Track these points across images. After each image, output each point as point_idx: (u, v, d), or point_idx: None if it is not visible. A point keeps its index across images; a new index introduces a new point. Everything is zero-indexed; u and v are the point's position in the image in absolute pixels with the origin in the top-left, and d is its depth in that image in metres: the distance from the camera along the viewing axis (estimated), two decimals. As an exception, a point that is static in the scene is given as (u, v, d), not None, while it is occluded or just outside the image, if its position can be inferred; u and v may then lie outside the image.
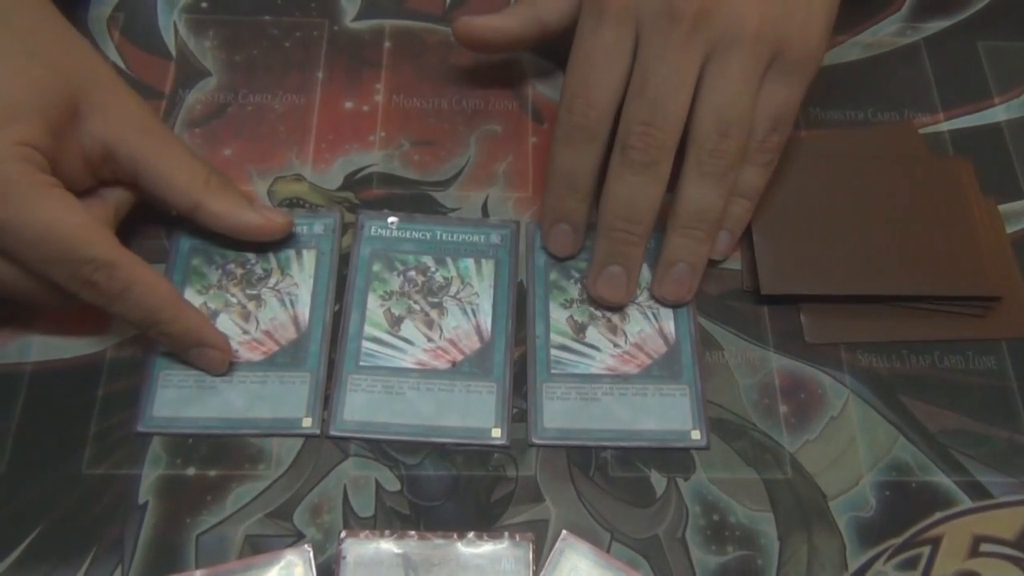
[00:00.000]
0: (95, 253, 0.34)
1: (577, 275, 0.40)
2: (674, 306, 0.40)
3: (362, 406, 0.37)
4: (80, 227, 0.34)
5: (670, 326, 0.39)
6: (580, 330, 0.39)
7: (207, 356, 0.37)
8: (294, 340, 0.38)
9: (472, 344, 0.38)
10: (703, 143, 0.37)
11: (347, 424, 0.36)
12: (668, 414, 0.37)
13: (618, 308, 0.40)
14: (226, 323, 0.38)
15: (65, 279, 0.34)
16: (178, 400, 0.37)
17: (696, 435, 0.37)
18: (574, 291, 0.40)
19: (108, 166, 0.37)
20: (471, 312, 0.39)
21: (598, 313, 0.39)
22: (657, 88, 0.37)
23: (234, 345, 0.38)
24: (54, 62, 0.35)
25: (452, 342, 0.38)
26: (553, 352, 0.38)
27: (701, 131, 0.37)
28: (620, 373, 0.38)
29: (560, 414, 0.37)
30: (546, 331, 0.39)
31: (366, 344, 0.38)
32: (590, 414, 0.37)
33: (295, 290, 0.39)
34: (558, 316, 0.39)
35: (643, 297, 0.40)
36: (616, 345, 0.39)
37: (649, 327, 0.39)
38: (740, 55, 0.37)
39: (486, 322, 0.39)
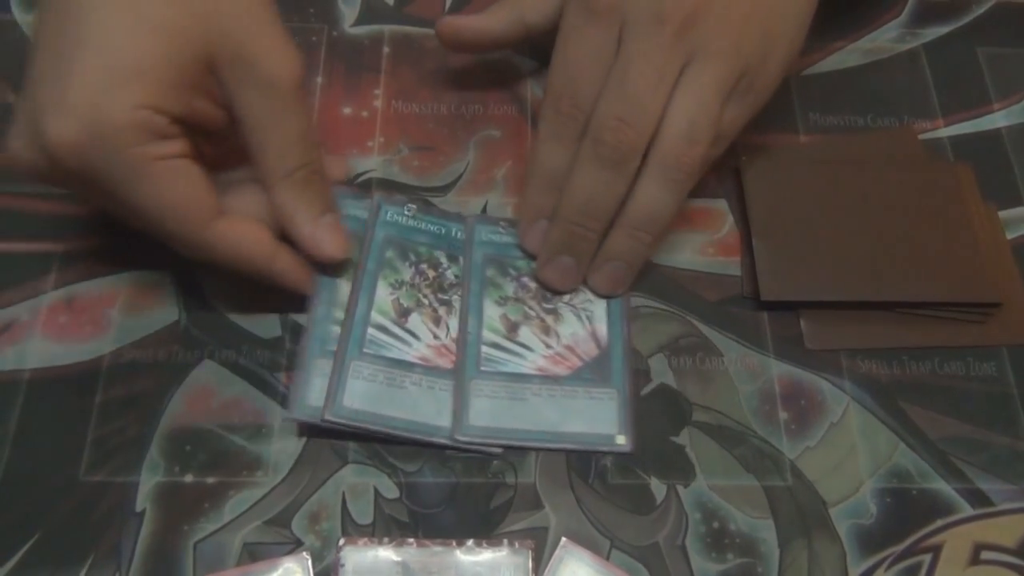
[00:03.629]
0: (180, 234, 0.34)
1: (514, 272, 0.40)
2: (604, 297, 0.40)
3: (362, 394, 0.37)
4: (170, 209, 0.33)
5: (603, 329, 0.39)
6: (513, 329, 0.39)
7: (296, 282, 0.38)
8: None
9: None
10: (670, 148, 0.37)
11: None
12: (595, 417, 0.37)
13: (563, 293, 0.40)
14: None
15: (162, 240, 0.35)
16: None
17: (621, 440, 0.37)
18: (510, 289, 0.40)
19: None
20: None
21: (532, 312, 0.39)
22: (637, 85, 0.36)
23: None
24: (192, 4, 0.33)
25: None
26: (484, 349, 0.38)
27: (670, 135, 0.37)
28: (550, 374, 0.38)
29: (488, 412, 0.37)
30: (478, 328, 0.38)
31: (371, 331, 0.38)
32: (517, 414, 0.37)
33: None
34: (492, 313, 0.39)
35: (578, 299, 0.40)
36: (548, 346, 0.38)
37: (582, 329, 0.39)
38: (718, 67, 0.37)
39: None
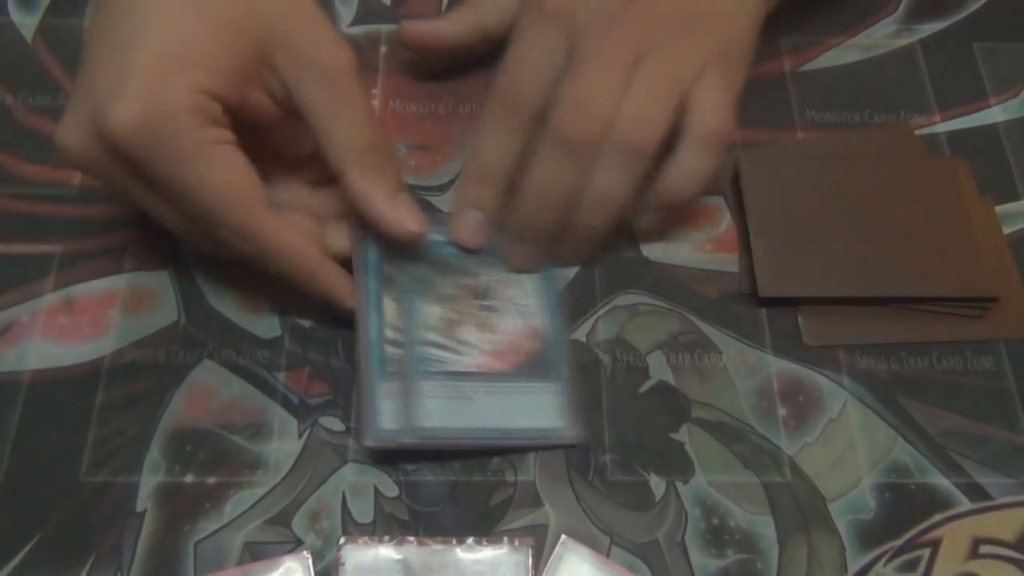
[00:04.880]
0: (233, 220, 0.34)
1: (449, 270, 0.40)
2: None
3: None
4: (225, 193, 0.33)
5: (541, 323, 0.39)
6: (452, 327, 0.39)
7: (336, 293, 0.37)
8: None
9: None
10: (626, 132, 0.37)
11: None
12: (540, 411, 0.37)
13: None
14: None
15: (204, 233, 0.35)
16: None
17: (569, 432, 0.37)
18: (447, 287, 0.39)
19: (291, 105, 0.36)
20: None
21: (469, 310, 0.39)
22: (594, 77, 0.37)
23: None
24: None
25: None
26: (426, 350, 0.38)
27: (625, 120, 0.37)
28: (493, 371, 0.38)
29: (436, 413, 0.36)
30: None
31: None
32: (464, 413, 0.37)
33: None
34: (430, 312, 0.39)
35: (520, 294, 0.40)
36: (488, 343, 0.38)
37: (520, 325, 0.39)
38: (667, 60, 0.38)
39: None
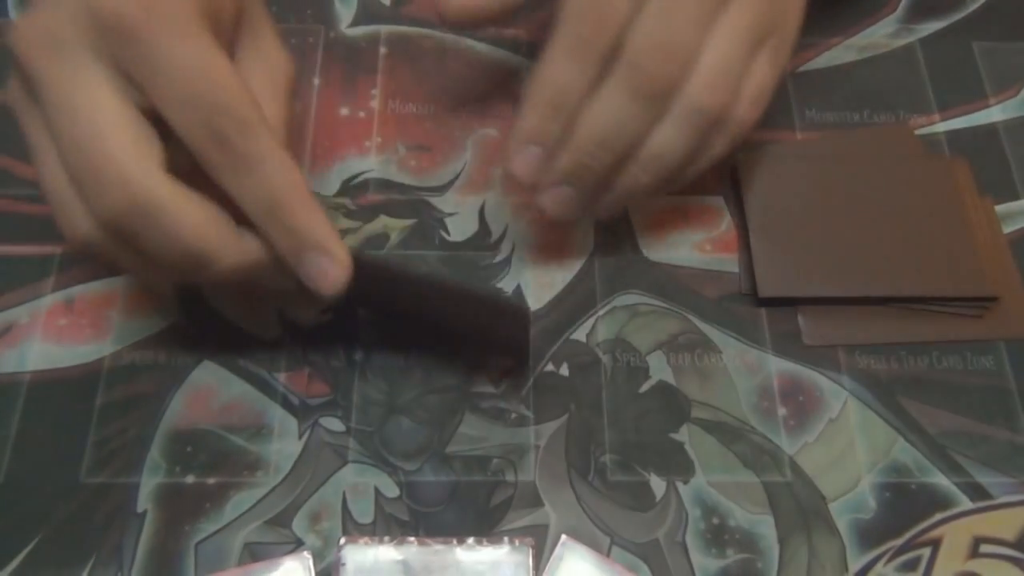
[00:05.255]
0: (235, 104, 0.30)
1: None
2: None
3: None
4: (227, 76, 0.30)
5: None
6: None
7: (323, 269, 0.32)
8: None
9: None
10: (698, 91, 0.35)
11: None
12: None
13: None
14: None
15: (195, 128, 0.30)
16: None
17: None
18: None
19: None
20: None
21: None
22: (680, 17, 0.34)
23: None
24: None
25: None
26: None
27: (699, 77, 0.35)
28: None
29: None
30: None
31: None
32: None
33: None
34: None
35: None
36: None
37: None
38: (754, 12, 0.35)
39: None
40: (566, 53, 0.35)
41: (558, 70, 0.35)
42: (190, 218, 0.30)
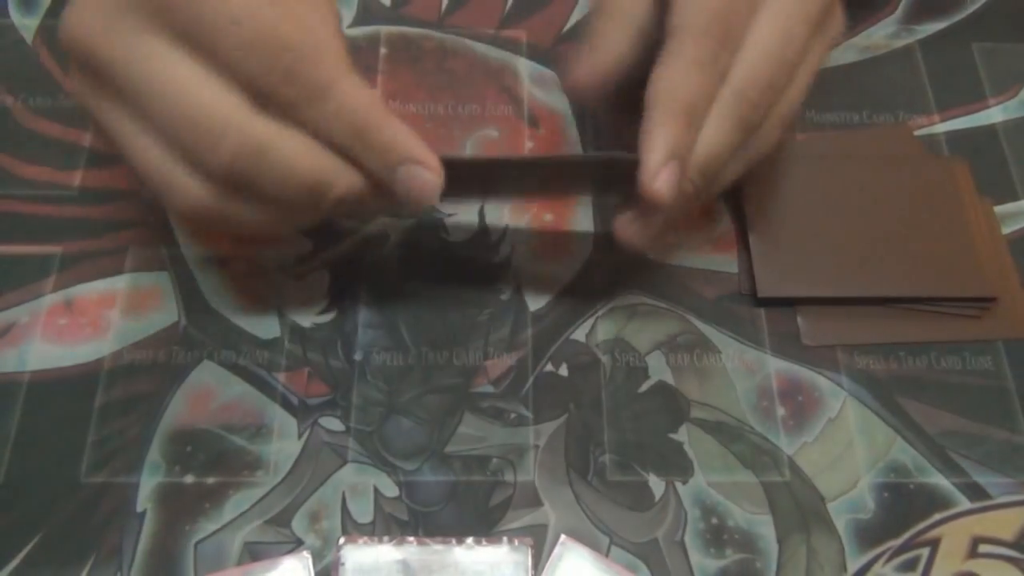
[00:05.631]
0: (296, 38, 0.30)
1: None
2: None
3: None
4: (287, 15, 0.30)
5: None
6: None
7: (418, 178, 0.31)
8: None
9: None
10: (748, 83, 0.34)
11: None
12: None
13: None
14: None
15: (263, 72, 0.30)
16: None
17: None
18: None
19: None
20: None
21: None
22: (788, 48, 0.34)
23: None
24: None
25: None
26: None
27: (751, 65, 0.34)
28: None
29: None
30: None
31: None
32: None
33: None
34: None
35: None
36: None
37: None
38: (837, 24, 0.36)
39: None
40: (697, 67, 0.33)
41: (693, 80, 0.33)
42: (299, 148, 0.31)
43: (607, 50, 0.36)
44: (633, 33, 0.36)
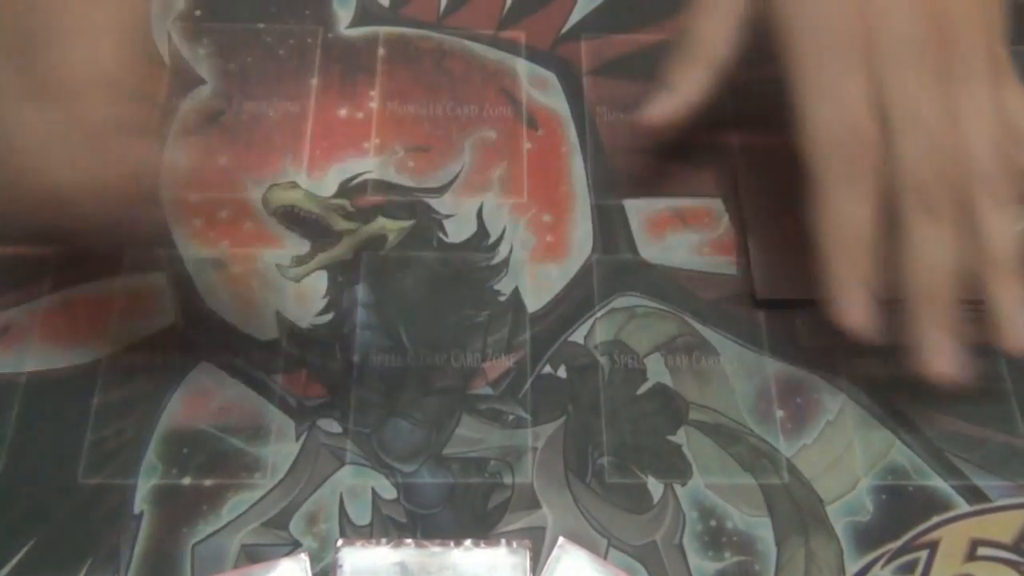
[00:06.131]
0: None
1: None
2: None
3: None
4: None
5: None
6: None
7: None
8: None
9: None
10: (983, 177, 0.33)
11: None
12: None
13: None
14: None
15: None
16: None
17: None
18: None
19: None
20: None
21: None
22: (929, 115, 0.33)
23: None
24: None
25: None
26: None
27: (984, 157, 0.34)
28: None
29: None
30: None
31: None
32: None
33: None
34: None
35: None
36: None
37: None
38: (983, 78, 0.34)
39: None
40: (844, 189, 0.34)
41: (843, 203, 0.34)
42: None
43: (687, 95, 0.38)
44: (713, 76, 0.37)
